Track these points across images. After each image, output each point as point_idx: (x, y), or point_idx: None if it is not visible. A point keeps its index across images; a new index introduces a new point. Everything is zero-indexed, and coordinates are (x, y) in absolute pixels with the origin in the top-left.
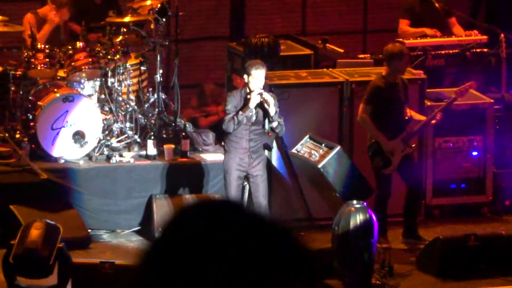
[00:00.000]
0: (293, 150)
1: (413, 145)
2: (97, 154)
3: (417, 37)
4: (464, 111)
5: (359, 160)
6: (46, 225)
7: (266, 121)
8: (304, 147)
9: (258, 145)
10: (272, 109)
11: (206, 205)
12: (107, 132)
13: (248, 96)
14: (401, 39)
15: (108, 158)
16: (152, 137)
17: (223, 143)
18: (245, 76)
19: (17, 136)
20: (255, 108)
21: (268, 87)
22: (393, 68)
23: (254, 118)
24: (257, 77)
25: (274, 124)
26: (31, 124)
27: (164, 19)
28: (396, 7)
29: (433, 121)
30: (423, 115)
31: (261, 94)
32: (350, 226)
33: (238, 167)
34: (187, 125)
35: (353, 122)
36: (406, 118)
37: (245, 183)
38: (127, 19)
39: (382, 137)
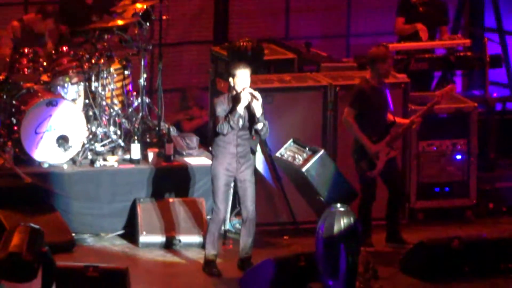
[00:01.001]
0: (277, 154)
1: (396, 149)
2: (81, 158)
3: (405, 38)
4: (447, 115)
5: (343, 163)
6: (30, 229)
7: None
8: (288, 151)
9: (246, 150)
10: (259, 109)
11: None
12: (91, 136)
13: (237, 97)
14: (384, 43)
15: (92, 162)
16: (136, 141)
17: (210, 148)
18: (230, 79)
19: (1, 140)
20: (243, 110)
21: None
22: (376, 72)
23: (241, 122)
24: (242, 77)
25: (260, 126)
26: (15, 128)
27: (147, 24)
28: (379, 11)
29: (414, 126)
30: (405, 118)
31: (250, 93)
32: (334, 229)
33: (226, 172)
34: (171, 129)
35: (337, 126)
36: (390, 122)
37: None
38: (110, 23)
39: (367, 141)
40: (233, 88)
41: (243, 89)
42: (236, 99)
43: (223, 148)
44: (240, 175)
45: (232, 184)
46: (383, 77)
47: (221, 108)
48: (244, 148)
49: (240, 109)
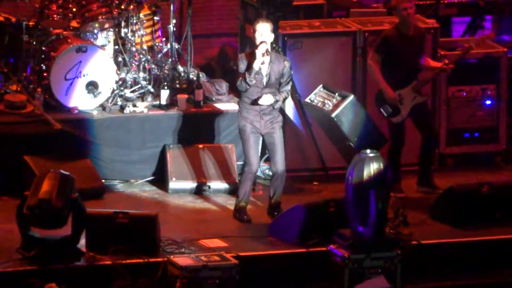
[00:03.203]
0: (307, 99)
1: (425, 94)
2: (111, 105)
3: None
4: (477, 60)
5: (372, 109)
6: (60, 176)
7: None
8: (318, 96)
9: (271, 108)
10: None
11: None
12: (120, 82)
13: (254, 53)
14: None
15: (122, 108)
16: (166, 87)
17: (238, 104)
18: (253, 34)
19: (31, 86)
20: (266, 73)
21: (281, 38)
22: (400, 17)
23: (265, 79)
24: (261, 30)
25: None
26: (45, 74)
27: None
28: None
29: (447, 68)
30: (437, 62)
31: (266, 50)
32: (364, 175)
33: (251, 126)
34: (201, 75)
35: (366, 71)
36: (420, 67)
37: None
38: None
39: (385, 86)
40: (254, 43)
41: (260, 43)
42: (253, 56)
43: (248, 104)
44: (266, 131)
45: (260, 137)
46: (408, 23)
47: (243, 65)
48: (269, 105)
49: (256, 65)
